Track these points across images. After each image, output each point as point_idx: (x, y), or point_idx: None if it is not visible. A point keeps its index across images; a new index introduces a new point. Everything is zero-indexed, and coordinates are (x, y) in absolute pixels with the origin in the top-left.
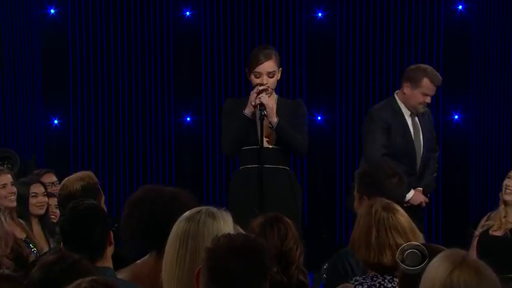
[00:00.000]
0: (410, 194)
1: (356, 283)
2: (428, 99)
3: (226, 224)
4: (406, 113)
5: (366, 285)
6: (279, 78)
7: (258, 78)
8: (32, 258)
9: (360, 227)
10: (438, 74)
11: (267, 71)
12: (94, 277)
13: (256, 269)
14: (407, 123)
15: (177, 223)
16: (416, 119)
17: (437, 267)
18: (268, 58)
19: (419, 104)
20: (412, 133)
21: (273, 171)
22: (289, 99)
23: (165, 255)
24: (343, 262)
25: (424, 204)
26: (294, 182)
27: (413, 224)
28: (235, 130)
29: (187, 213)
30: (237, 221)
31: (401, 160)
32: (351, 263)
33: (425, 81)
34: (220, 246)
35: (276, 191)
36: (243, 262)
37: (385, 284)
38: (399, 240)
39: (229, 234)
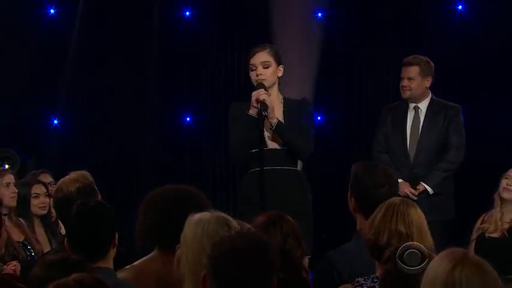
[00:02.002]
0: None
1: (356, 284)
2: (403, 82)
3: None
4: (411, 106)
5: (366, 287)
6: (280, 75)
7: (254, 71)
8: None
9: (374, 212)
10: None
11: (260, 60)
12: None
13: (262, 269)
14: (406, 116)
15: (192, 224)
16: (422, 116)
17: (438, 265)
18: (262, 49)
19: (401, 89)
20: (409, 127)
21: (280, 172)
22: (296, 98)
23: (185, 254)
24: (331, 271)
25: (413, 197)
26: (304, 182)
27: (426, 225)
28: (240, 132)
29: (203, 216)
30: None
31: (395, 152)
32: (339, 271)
33: None
34: (223, 251)
35: (284, 192)
36: (248, 265)
37: None
38: (400, 228)
39: (229, 236)
